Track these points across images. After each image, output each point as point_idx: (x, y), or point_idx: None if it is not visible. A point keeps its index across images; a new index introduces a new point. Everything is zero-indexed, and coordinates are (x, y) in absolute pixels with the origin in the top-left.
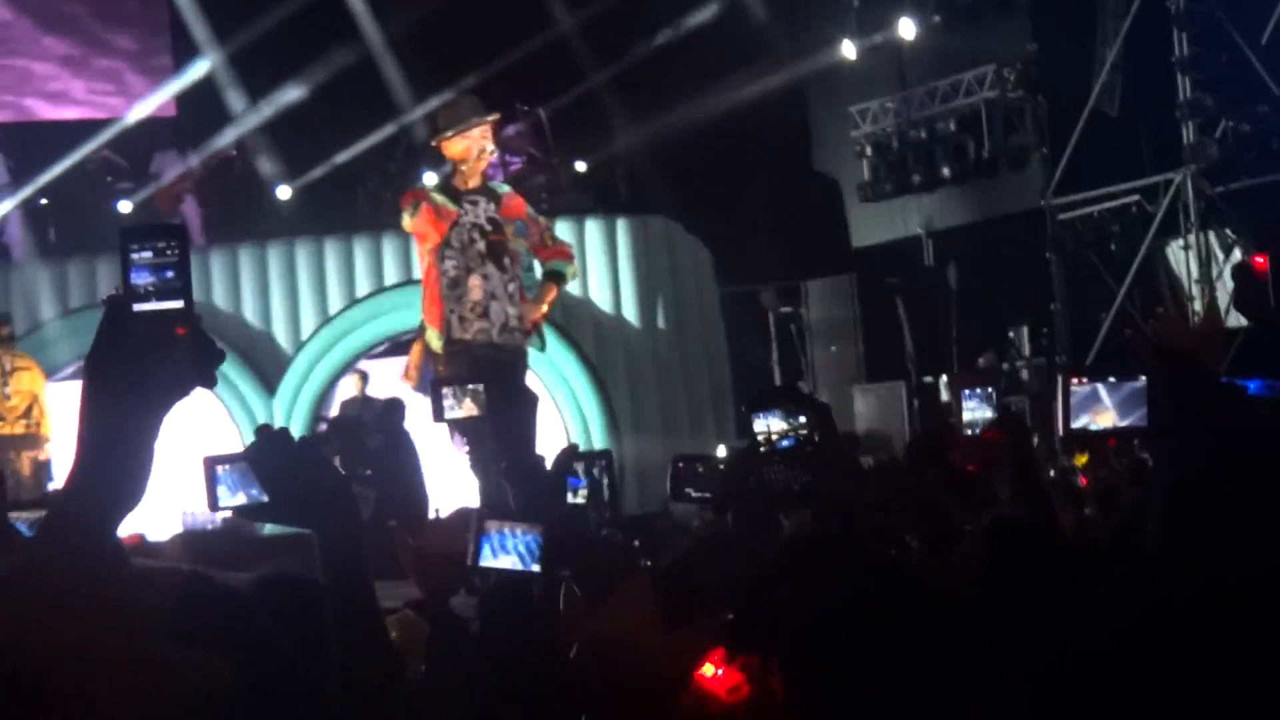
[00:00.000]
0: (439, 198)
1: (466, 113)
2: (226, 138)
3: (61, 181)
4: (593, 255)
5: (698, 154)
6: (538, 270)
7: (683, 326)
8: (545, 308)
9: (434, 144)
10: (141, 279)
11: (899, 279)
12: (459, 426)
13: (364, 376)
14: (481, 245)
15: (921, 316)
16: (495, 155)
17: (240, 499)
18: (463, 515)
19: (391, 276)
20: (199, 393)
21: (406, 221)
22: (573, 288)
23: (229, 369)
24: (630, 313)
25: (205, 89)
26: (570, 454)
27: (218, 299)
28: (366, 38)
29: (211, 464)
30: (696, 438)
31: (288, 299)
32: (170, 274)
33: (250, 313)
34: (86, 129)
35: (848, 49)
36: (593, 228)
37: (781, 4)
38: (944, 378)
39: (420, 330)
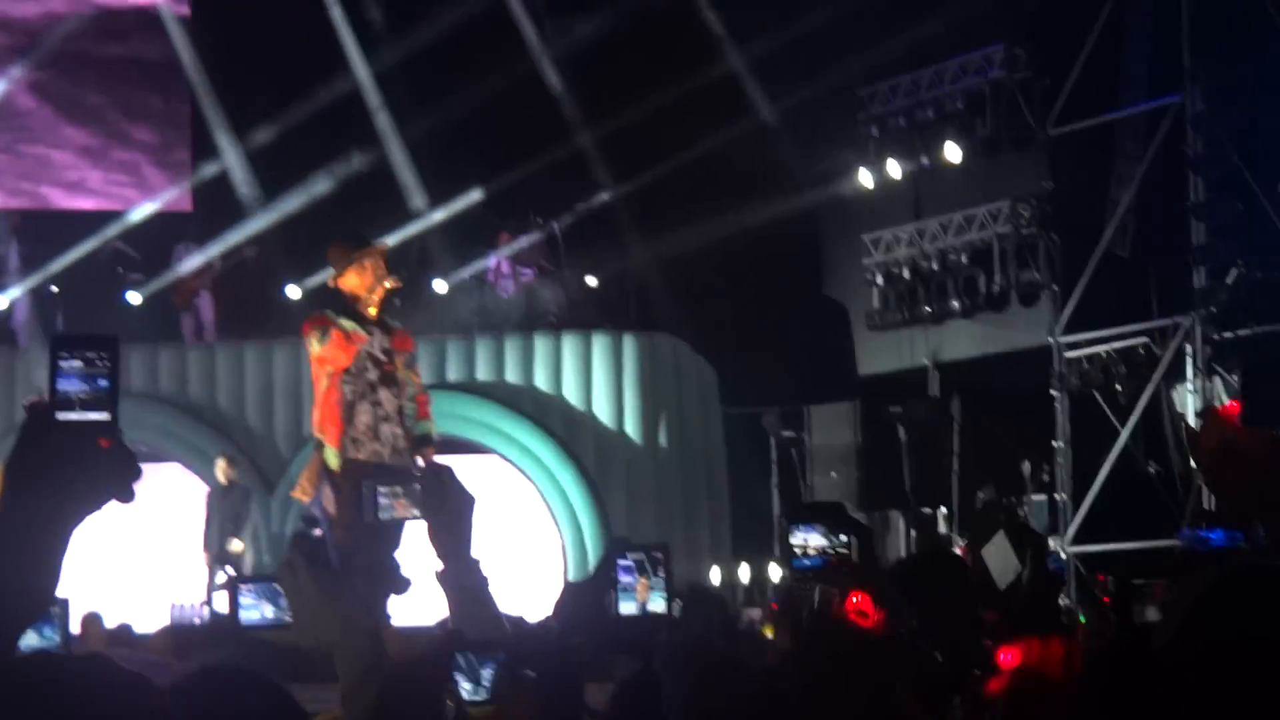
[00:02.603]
0: (347, 323)
1: (352, 246)
2: (241, 235)
3: (72, 270)
4: (598, 370)
5: (708, 274)
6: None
7: (685, 445)
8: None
9: (331, 286)
10: (69, 387)
11: (903, 408)
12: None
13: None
14: (373, 374)
15: (923, 447)
16: (393, 284)
17: (263, 615)
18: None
19: None
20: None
21: (315, 348)
22: (576, 402)
23: None
24: (632, 429)
25: (221, 186)
26: (620, 544)
27: (221, 397)
28: (385, 142)
29: (235, 583)
30: (692, 556)
31: (290, 400)
32: (100, 384)
33: (253, 412)
34: (101, 219)
35: (864, 178)
36: (600, 343)
37: (798, 130)
38: (942, 509)
39: (316, 447)
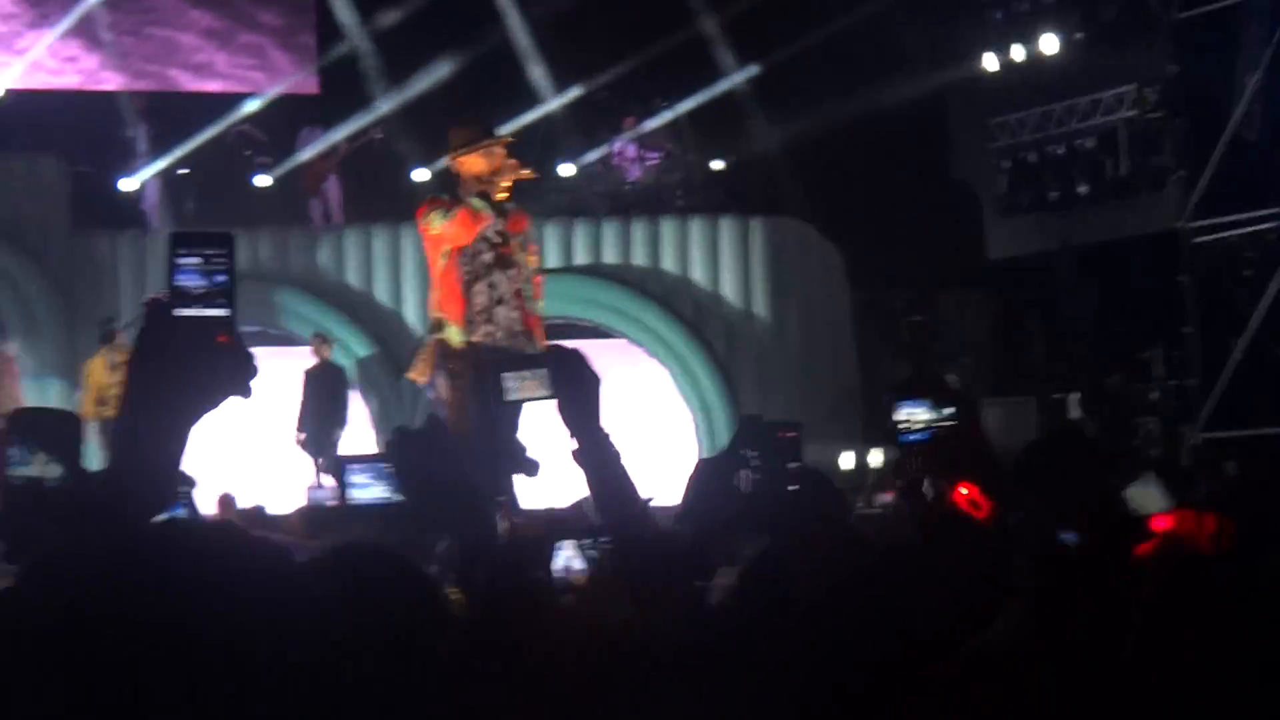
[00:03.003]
0: (478, 202)
1: (479, 134)
2: (367, 118)
3: (201, 153)
4: (726, 254)
5: (835, 158)
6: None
7: (812, 329)
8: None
9: (449, 161)
10: (187, 283)
11: (1032, 294)
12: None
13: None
14: (488, 256)
15: (1053, 332)
16: (529, 175)
17: (373, 495)
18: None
19: None
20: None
21: (436, 226)
22: (704, 285)
23: (360, 348)
24: (761, 312)
25: (347, 68)
26: (753, 423)
27: (350, 278)
28: (509, 26)
29: (343, 462)
30: (823, 440)
31: (420, 282)
32: (217, 280)
33: (382, 293)
34: (228, 102)
35: (989, 61)
36: (727, 227)
37: (924, 13)
38: (1073, 394)
39: (433, 327)
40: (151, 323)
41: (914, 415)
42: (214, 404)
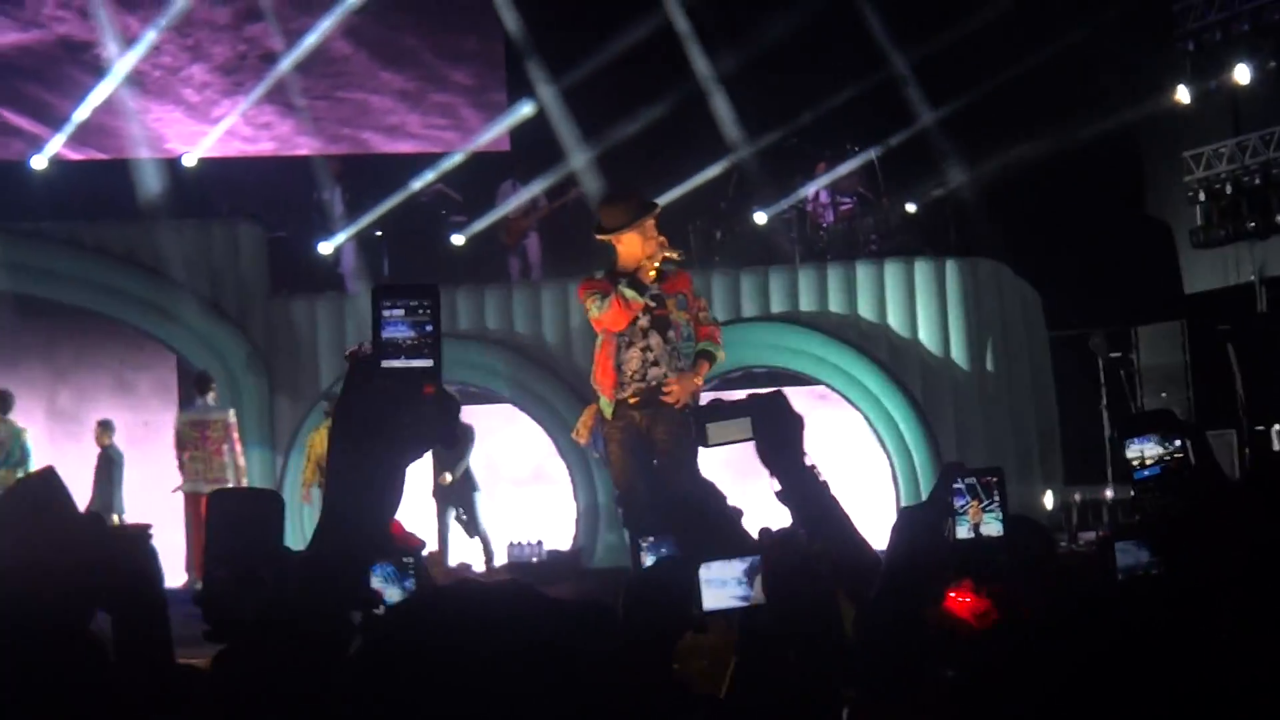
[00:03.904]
0: (629, 292)
1: (635, 210)
2: (563, 172)
3: (396, 214)
4: (922, 297)
5: (1028, 196)
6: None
7: (1011, 369)
8: (699, 379)
9: (604, 240)
10: (393, 335)
11: (1231, 326)
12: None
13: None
14: (644, 320)
15: (1253, 364)
16: (676, 256)
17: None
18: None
19: (721, 314)
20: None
21: (593, 312)
22: (901, 329)
23: (552, 396)
24: (958, 354)
25: (538, 124)
26: (955, 469)
27: (548, 333)
28: (699, 75)
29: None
30: (1023, 482)
31: None
32: (422, 332)
33: (579, 351)
34: (421, 162)
35: (1182, 94)
36: (922, 269)
37: (1114, 48)
38: (1276, 426)
39: (596, 396)
40: (356, 374)
41: (1144, 451)
42: (420, 454)
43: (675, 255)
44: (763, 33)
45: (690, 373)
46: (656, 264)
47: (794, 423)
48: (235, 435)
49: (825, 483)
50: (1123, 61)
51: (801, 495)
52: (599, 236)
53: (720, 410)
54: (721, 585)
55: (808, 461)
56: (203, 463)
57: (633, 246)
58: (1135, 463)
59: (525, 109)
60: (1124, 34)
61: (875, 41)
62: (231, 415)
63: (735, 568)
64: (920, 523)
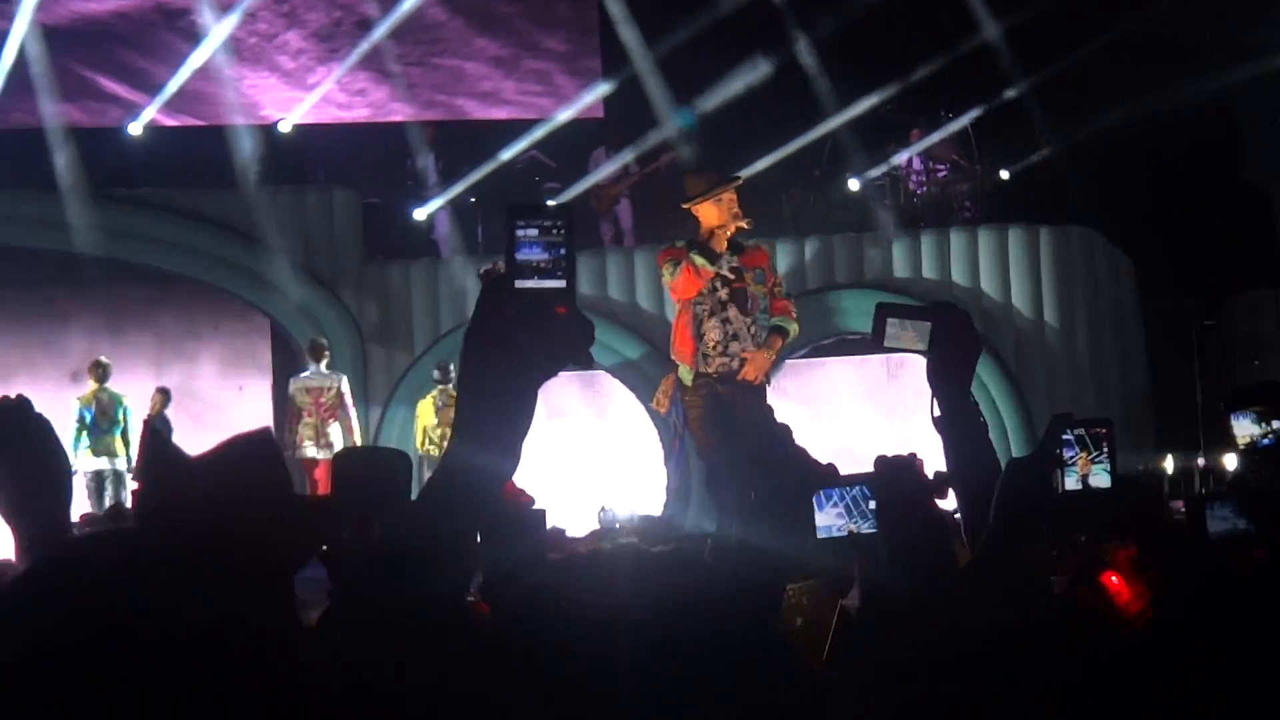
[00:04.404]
0: (698, 259)
1: (714, 182)
2: (652, 140)
3: (490, 180)
4: (1015, 264)
5: (1122, 162)
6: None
7: (1104, 337)
8: (772, 354)
9: (685, 207)
10: (527, 256)
11: None
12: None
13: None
14: (723, 293)
15: None
16: (747, 225)
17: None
18: None
19: (814, 280)
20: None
21: (667, 278)
22: (995, 296)
23: (645, 363)
24: (1051, 322)
25: (633, 91)
26: (1064, 420)
27: (641, 299)
28: (793, 42)
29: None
30: (1118, 448)
31: None
32: (555, 253)
33: (671, 314)
34: (515, 129)
35: None
36: (1015, 237)
37: (1214, 10)
38: None
39: (674, 366)
40: (489, 294)
41: (1242, 428)
42: (553, 372)
43: (745, 224)
44: None
45: (765, 348)
46: (729, 234)
47: (971, 348)
48: (349, 401)
49: (983, 424)
50: (1221, 24)
51: (961, 429)
52: (682, 205)
53: (903, 310)
54: (834, 512)
55: (971, 397)
56: (314, 428)
57: (709, 217)
58: (1242, 437)
59: (619, 75)
60: None
61: (969, 7)
62: (345, 382)
63: (848, 495)
64: (1029, 472)
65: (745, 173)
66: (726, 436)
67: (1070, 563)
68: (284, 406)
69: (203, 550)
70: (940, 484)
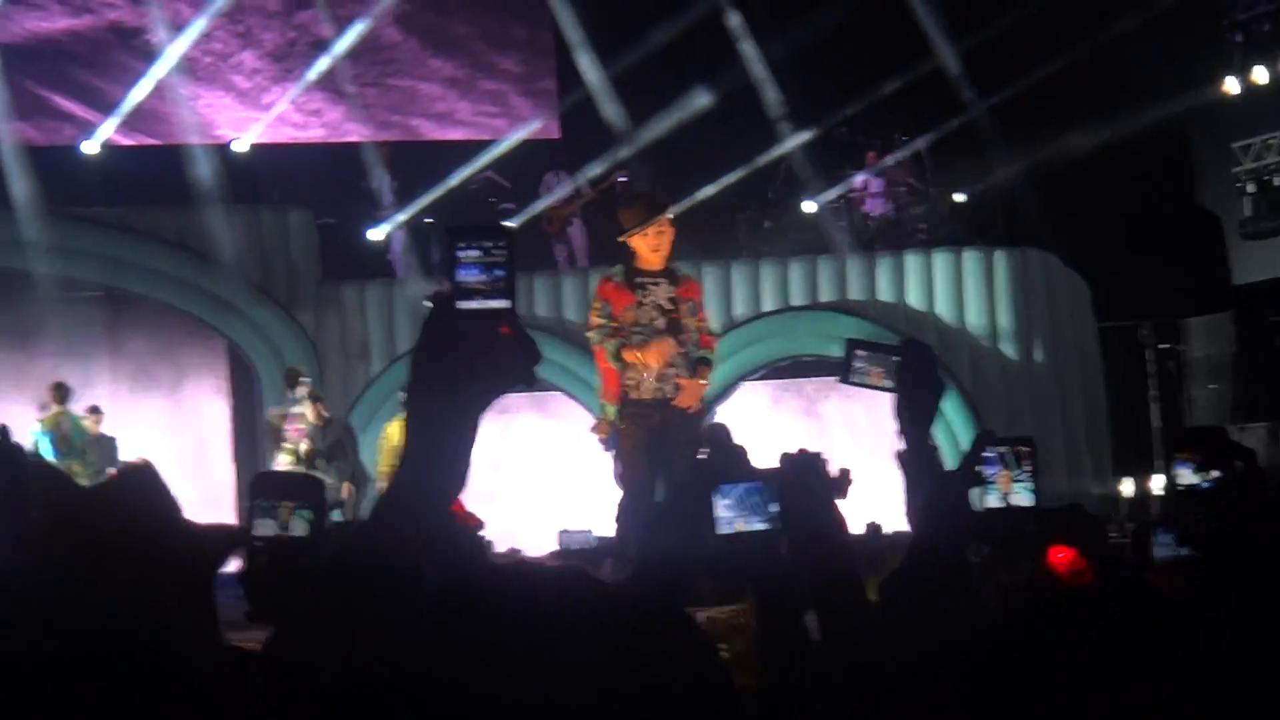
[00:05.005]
0: (616, 274)
1: (642, 214)
2: (607, 161)
3: (445, 201)
4: (970, 287)
5: (1076, 187)
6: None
7: (1060, 360)
8: (705, 383)
9: (620, 240)
10: (468, 277)
11: None
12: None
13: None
14: (661, 321)
15: None
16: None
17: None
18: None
19: (769, 303)
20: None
21: (594, 337)
22: (949, 318)
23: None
24: (1007, 345)
25: (587, 112)
26: (987, 437)
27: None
28: (747, 63)
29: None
30: (1073, 473)
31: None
32: (497, 273)
33: None
34: (470, 150)
35: (1231, 84)
36: (970, 259)
37: (1163, 38)
38: None
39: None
40: (435, 316)
41: (1182, 475)
42: (501, 392)
43: (660, 248)
44: (812, 21)
45: (697, 377)
46: (658, 257)
47: (936, 387)
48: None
49: (941, 466)
50: (1172, 51)
51: (916, 469)
52: (617, 239)
53: (872, 345)
54: (737, 510)
55: (933, 438)
56: (292, 454)
57: (640, 248)
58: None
59: (573, 96)
60: (1173, 24)
61: (924, 30)
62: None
63: (751, 490)
64: (946, 490)
65: (701, 195)
66: (657, 463)
67: (993, 575)
68: (243, 427)
69: (93, 580)
70: (843, 484)
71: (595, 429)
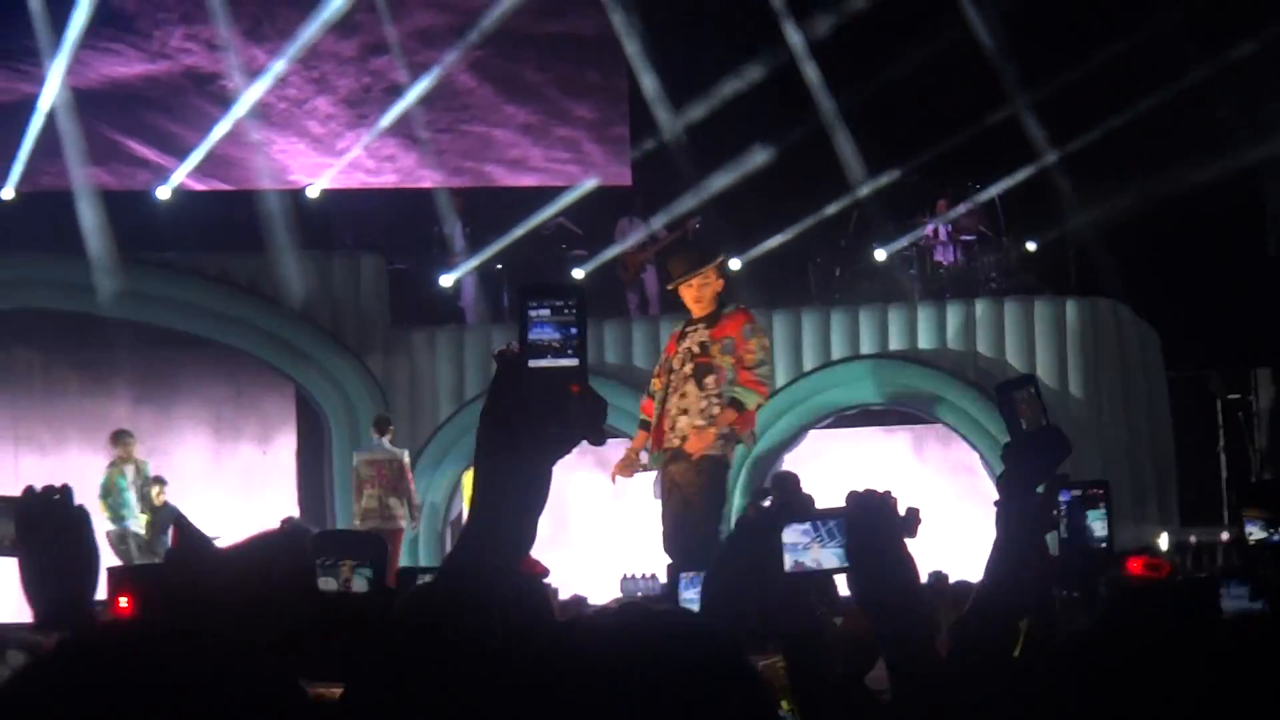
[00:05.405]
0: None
1: (687, 267)
2: (681, 208)
3: (517, 248)
4: (1041, 336)
5: (1148, 235)
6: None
7: (1130, 410)
8: (719, 428)
9: (669, 289)
10: (539, 335)
11: None
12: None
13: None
14: (688, 368)
15: None
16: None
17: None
18: None
19: (839, 350)
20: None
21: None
22: (1020, 367)
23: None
24: (1076, 393)
25: (661, 159)
26: (1061, 480)
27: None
28: (821, 112)
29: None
30: (1140, 523)
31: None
32: (567, 332)
33: None
34: (543, 196)
35: None
36: (1041, 308)
37: (1237, 88)
38: None
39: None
40: (504, 374)
41: (1252, 530)
42: (567, 450)
43: (695, 308)
44: (886, 70)
45: (712, 424)
46: (699, 309)
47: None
48: (410, 475)
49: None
50: (1245, 101)
51: (1025, 521)
52: (667, 287)
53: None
54: (804, 550)
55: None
56: (378, 500)
57: (685, 298)
58: (1253, 535)
59: (647, 144)
60: (1246, 74)
61: (998, 79)
62: (406, 456)
63: (818, 528)
64: (1020, 535)
65: (772, 242)
66: (675, 520)
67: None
68: (310, 473)
69: (225, 642)
70: (911, 523)
71: (615, 469)
